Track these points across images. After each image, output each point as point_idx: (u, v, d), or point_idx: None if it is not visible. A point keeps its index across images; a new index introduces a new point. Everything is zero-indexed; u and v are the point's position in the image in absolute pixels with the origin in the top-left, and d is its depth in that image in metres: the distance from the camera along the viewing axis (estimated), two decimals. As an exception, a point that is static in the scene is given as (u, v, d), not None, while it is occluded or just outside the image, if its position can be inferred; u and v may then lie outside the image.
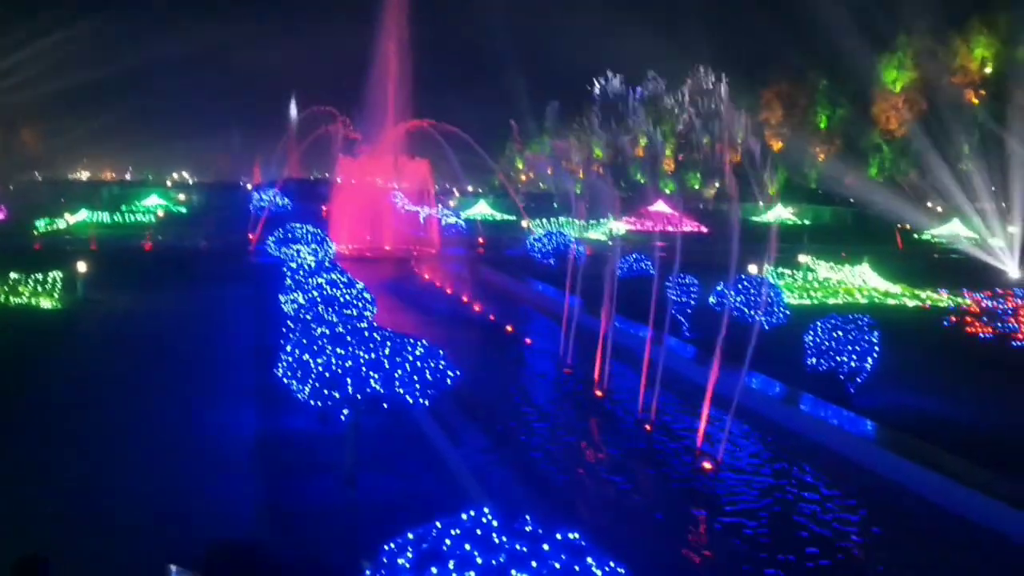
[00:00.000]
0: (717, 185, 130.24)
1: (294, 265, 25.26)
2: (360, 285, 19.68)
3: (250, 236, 52.77)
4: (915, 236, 77.41)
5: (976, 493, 13.33)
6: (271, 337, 19.86)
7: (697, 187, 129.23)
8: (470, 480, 13.62)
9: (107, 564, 10.51)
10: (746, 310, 23.48)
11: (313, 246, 34.40)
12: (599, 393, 20.54)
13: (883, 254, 48.10)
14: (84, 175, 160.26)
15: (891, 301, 35.03)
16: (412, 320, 29.61)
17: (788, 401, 18.98)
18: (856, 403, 18.12)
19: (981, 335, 27.64)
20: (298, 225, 36.44)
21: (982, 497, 13.21)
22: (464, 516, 6.40)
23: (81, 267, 30.95)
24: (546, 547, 6.10)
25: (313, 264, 24.85)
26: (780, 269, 38.41)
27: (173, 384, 19.23)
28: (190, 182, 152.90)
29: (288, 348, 13.02)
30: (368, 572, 6.38)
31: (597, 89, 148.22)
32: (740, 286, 24.35)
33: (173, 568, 8.78)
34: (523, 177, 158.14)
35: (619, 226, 77.41)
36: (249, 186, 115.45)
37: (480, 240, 58.70)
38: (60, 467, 13.86)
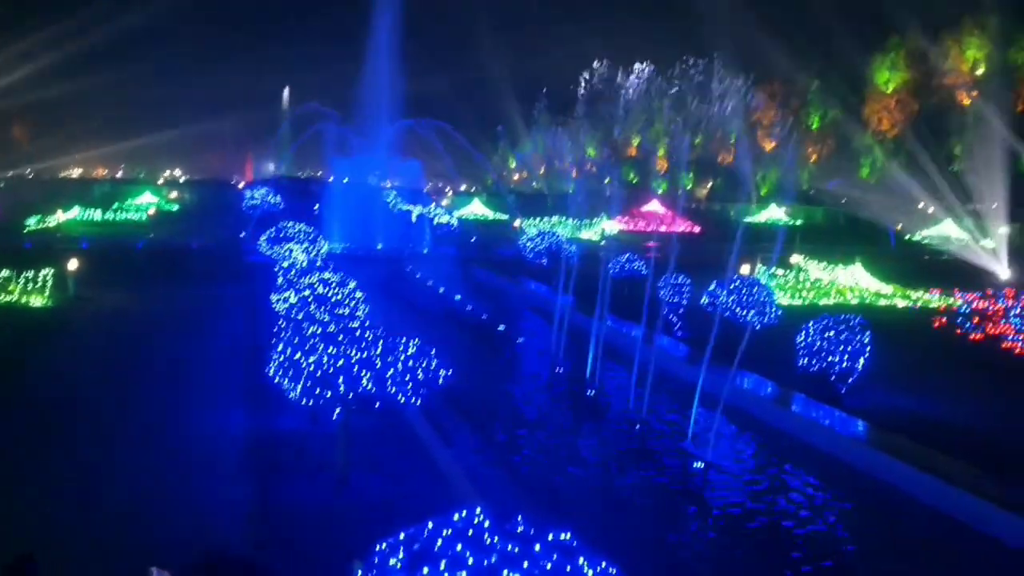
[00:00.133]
0: (709, 185, 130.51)
1: (286, 264, 25.19)
2: (352, 284, 19.64)
3: (241, 235, 52.63)
4: (907, 237, 77.63)
5: (967, 494, 13.38)
6: (262, 336, 19.81)
7: (689, 187, 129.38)
8: (461, 480, 13.61)
9: (96, 564, 10.47)
10: (738, 310, 23.49)
11: (305, 245, 34.29)
12: (591, 392, 20.55)
13: (875, 255, 48.20)
14: (76, 172, 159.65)
15: (883, 302, 35.12)
16: (404, 319, 29.57)
17: (779, 401, 19.01)
18: (847, 403, 18.17)
19: (971, 336, 27.75)
20: (290, 224, 36.32)
21: (973, 498, 13.25)
22: (456, 516, 6.39)
23: (72, 265, 30.83)
24: (538, 548, 6.10)
25: (305, 263, 24.80)
26: (773, 269, 38.48)
27: (163, 383, 19.18)
28: (182, 180, 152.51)
29: (280, 347, 12.99)
30: (360, 572, 6.37)
31: (587, 87, 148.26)
32: (732, 286, 24.35)
33: (154, 570, 8.75)
34: (516, 176, 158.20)
35: (612, 226, 77.54)
36: (241, 184, 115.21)
37: (472, 239, 58.70)
38: (48, 466, 13.79)
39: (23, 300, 28.25)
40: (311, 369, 12.18)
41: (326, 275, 20.30)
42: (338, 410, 12.68)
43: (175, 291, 33.78)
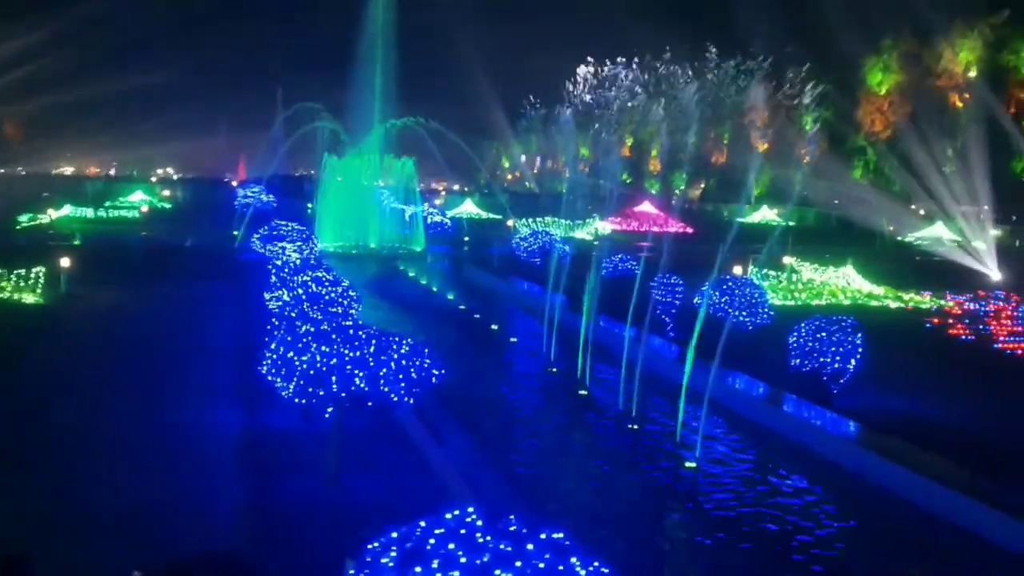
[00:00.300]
0: (702, 186, 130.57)
1: (279, 262, 25.17)
2: (345, 283, 19.64)
3: (234, 233, 52.55)
4: (898, 239, 77.80)
5: (959, 495, 13.43)
6: (255, 334, 19.78)
7: (682, 187, 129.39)
8: (452, 477, 13.61)
9: (87, 563, 10.45)
10: (730, 311, 23.56)
11: (298, 243, 34.27)
12: (583, 392, 20.58)
13: (867, 256, 48.30)
14: (68, 170, 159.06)
15: (874, 303, 35.21)
16: (397, 318, 29.57)
17: (770, 401, 19.06)
18: (838, 404, 18.21)
19: (963, 337, 27.84)
20: (283, 222, 36.30)
21: (964, 499, 13.30)
22: (448, 515, 6.40)
23: (64, 262, 30.74)
24: (530, 547, 6.11)
25: (298, 262, 24.78)
26: (765, 270, 38.55)
27: (154, 380, 19.11)
28: (175, 178, 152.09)
29: (273, 346, 12.96)
30: (352, 572, 6.37)
31: (581, 86, 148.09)
32: (725, 286, 24.45)
33: (136, 574, 8.74)
34: (509, 176, 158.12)
35: (604, 226, 77.57)
36: (234, 183, 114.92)
37: (465, 239, 58.68)
38: (39, 464, 13.75)
39: (15, 297, 28.15)
40: (304, 368, 12.17)
41: (319, 274, 20.28)
42: (330, 409, 12.67)
43: (168, 288, 33.68)
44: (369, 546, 6.31)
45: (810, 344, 19.23)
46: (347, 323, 13.96)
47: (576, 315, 23.84)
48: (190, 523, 11.64)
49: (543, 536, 6.25)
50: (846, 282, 38.53)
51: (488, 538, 6.17)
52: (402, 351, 12.46)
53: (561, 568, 6.02)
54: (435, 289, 37.70)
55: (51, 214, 64.40)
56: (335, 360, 12.13)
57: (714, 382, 16.78)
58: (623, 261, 34.16)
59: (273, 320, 18.56)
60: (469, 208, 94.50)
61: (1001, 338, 27.26)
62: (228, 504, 12.22)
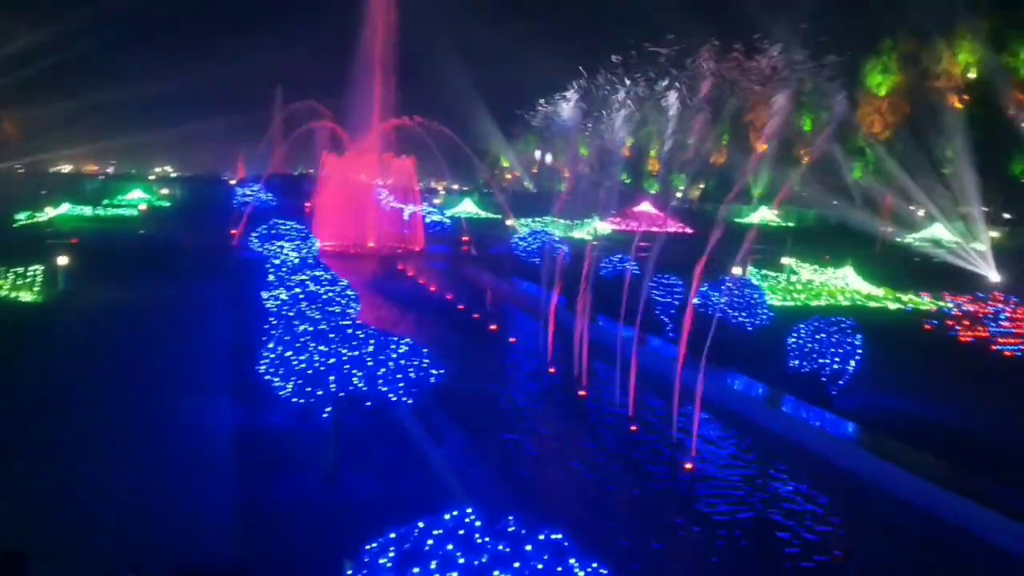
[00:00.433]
0: (702, 186, 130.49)
1: (277, 261, 25.13)
2: (344, 282, 19.59)
3: (232, 232, 52.48)
4: (896, 240, 77.76)
5: (956, 495, 13.42)
6: (254, 333, 19.76)
7: (682, 187, 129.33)
8: (450, 476, 13.58)
9: (84, 560, 10.42)
10: (730, 311, 23.56)
11: (296, 242, 34.21)
12: (582, 392, 20.54)
13: (865, 257, 48.29)
14: (66, 168, 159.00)
15: (873, 304, 35.20)
16: (395, 318, 29.53)
17: (769, 402, 19.03)
18: (837, 404, 18.20)
19: (961, 338, 27.84)
20: (281, 221, 36.21)
21: (962, 499, 13.29)
22: (447, 516, 6.37)
23: (62, 260, 30.68)
24: (529, 548, 6.08)
25: (296, 261, 24.74)
26: (764, 271, 38.55)
27: (152, 379, 19.08)
28: (173, 176, 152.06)
29: (271, 345, 12.93)
30: (350, 572, 6.35)
31: (579, 87, 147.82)
32: (724, 287, 24.43)
33: None
34: (508, 176, 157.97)
35: (603, 226, 77.51)
36: (233, 181, 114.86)
37: (465, 238, 58.60)
38: (36, 462, 13.73)
39: (13, 295, 28.09)
40: (302, 367, 12.15)
41: (317, 273, 20.23)
42: (328, 408, 12.65)
43: (166, 287, 33.63)
44: (367, 546, 6.28)
45: (809, 345, 19.23)
46: (345, 322, 13.95)
47: (575, 315, 23.80)
48: (188, 522, 11.61)
49: (541, 537, 6.22)
50: (845, 283, 38.54)
51: (487, 539, 6.15)
52: (400, 351, 12.45)
53: (560, 569, 5.99)
54: (433, 288, 37.65)
55: (49, 212, 64.30)
56: (333, 360, 12.10)
57: (712, 383, 16.77)
58: (622, 261, 34.10)
59: (271, 319, 18.53)
60: (468, 207, 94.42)
61: (999, 340, 27.26)
62: (226, 503, 12.19)
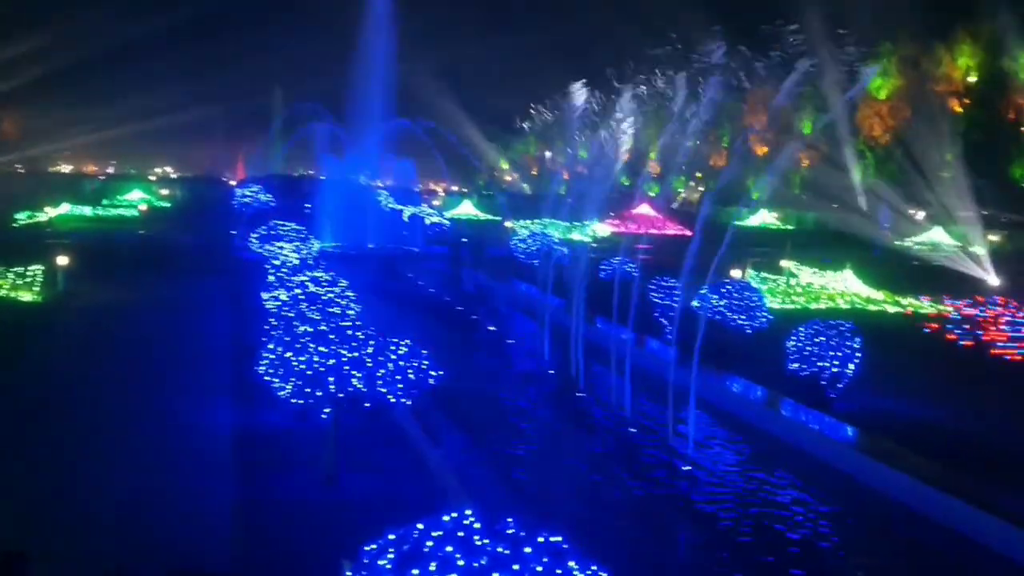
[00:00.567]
0: (702, 189, 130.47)
1: (277, 262, 25.13)
2: (343, 283, 19.60)
3: (232, 232, 52.48)
4: (895, 243, 77.77)
5: (957, 500, 13.41)
6: (253, 334, 19.78)
7: (682, 190, 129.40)
8: (449, 477, 13.59)
9: (84, 561, 10.42)
10: (729, 314, 23.55)
11: (296, 243, 34.19)
12: (579, 393, 20.55)
13: (865, 261, 48.30)
14: (66, 168, 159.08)
15: (873, 307, 35.20)
16: (394, 318, 29.52)
17: (768, 405, 19.05)
18: (836, 408, 18.20)
19: (961, 342, 27.85)
20: (281, 222, 36.19)
21: (962, 504, 13.28)
22: (446, 518, 6.38)
23: (62, 260, 30.69)
24: (528, 550, 6.09)
25: (296, 262, 24.74)
26: (763, 273, 38.55)
27: (152, 379, 19.10)
28: (173, 177, 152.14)
29: (270, 346, 12.95)
30: (349, 573, 6.35)
31: (581, 90, 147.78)
32: (723, 290, 24.42)
33: None
34: (507, 178, 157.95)
35: (603, 228, 77.47)
36: (232, 182, 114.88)
37: (463, 240, 58.60)
38: (35, 463, 13.73)
39: (12, 295, 28.09)
40: (302, 368, 12.16)
41: (317, 274, 20.24)
42: (328, 410, 12.65)
43: (166, 287, 33.65)
44: (366, 547, 6.28)
45: (808, 348, 19.23)
46: (345, 323, 13.95)
47: (573, 317, 23.81)
48: (186, 522, 11.61)
49: (541, 539, 6.22)
50: (844, 286, 38.52)
51: (486, 541, 6.15)
52: (400, 352, 12.46)
53: (559, 572, 6.00)
54: (432, 290, 37.66)
55: (49, 212, 64.28)
56: (332, 361, 12.12)
57: (711, 385, 16.78)
58: (621, 263, 34.05)
59: (271, 320, 18.54)
60: (467, 209, 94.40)
61: (999, 344, 27.27)
62: (225, 503, 12.19)
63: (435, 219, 62.79)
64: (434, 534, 6.22)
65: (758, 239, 60.55)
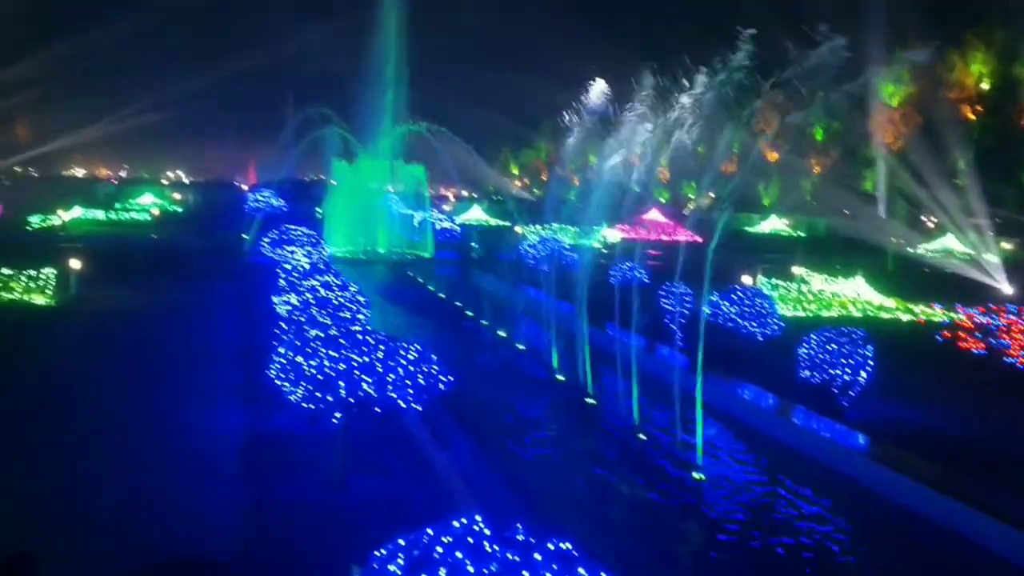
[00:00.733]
0: (712, 195, 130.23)
1: (288, 266, 25.18)
2: (354, 288, 19.61)
3: (244, 236, 52.67)
4: (908, 250, 77.46)
5: (966, 506, 13.32)
6: (264, 338, 19.81)
7: (692, 196, 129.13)
8: (457, 483, 13.56)
9: (91, 563, 10.44)
10: (740, 321, 23.49)
11: (307, 248, 34.29)
12: (589, 400, 20.50)
13: (877, 268, 48.15)
14: (79, 172, 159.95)
15: (885, 315, 35.06)
16: (405, 323, 29.56)
17: (779, 413, 18.95)
18: (849, 416, 18.09)
19: (974, 350, 27.68)
20: (292, 227, 36.31)
21: (971, 511, 13.19)
22: (456, 523, 6.36)
23: (75, 264, 30.82)
24: (538, 556, 6.06)
25: (307, 266, 24.78)
26: (774, 280, 38.45)
27: (163, 382, 19.16)
28: (185, 181, 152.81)
29: (281, 350, 12.95)
30: (358, 578, 6.34)
31: (590, 94, 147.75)
32: (734, 296, 24.37)
33: None
34: (517, 183, 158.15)
35: (613, 233, 77.42)
36: (244, 187, 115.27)
37: (474, 245, 58.68)
38: (45, 465, 13.76)
39: (26, 299, 28.23)
40: (312, 372, 12.16)
41: (328, 278, 20.27)
42: (338, 415, 12.64)
43: (177, 291, 33.77)
44: (375, 553, 6.27)
45: (820, 356, 19.13)
46: (355, 328, 13.95)
47: (583, 323, 23.78)
48: (194, 525, 11.62)
49: (551, 546, 6.20)
50: (856, 293, 38.37)
51: (495, 547, 6.13)
52: (410, 357, 12.45)
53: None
54: (443, 295, 37.68)
55: (62, 215, 64.63)
56: (343, 365, 12.11)
57: (722, 393, 16.70)
58: (631, 269, 34.01)
59: (281, 324, 18.56)
60: (477, 214, 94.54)
61: (1013, 352, 27.08)
62: (232, 507, 12.19)
63: (445, 224, 62.87)
64: (444, 539, 6.20)
65: (770, 245, 60.37)
